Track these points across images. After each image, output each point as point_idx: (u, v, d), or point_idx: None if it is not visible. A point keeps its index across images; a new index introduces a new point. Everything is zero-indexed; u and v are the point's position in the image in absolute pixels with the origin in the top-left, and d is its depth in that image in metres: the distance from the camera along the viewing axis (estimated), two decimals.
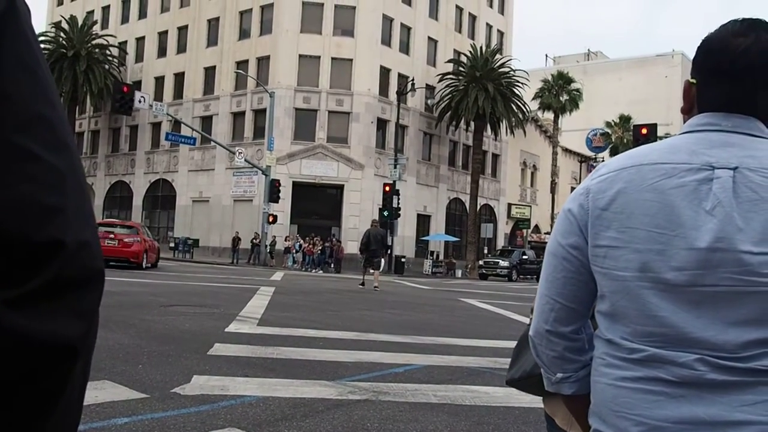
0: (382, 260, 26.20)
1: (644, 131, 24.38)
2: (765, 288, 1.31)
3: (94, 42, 53.25)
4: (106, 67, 53.07)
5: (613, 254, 1.42)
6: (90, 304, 0.70)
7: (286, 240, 40.92)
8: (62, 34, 52.89)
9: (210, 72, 49.84)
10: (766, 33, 1.42)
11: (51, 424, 0.67)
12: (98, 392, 5.52)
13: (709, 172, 1.38)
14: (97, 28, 55.47)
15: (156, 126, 52.10)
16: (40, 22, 61.49)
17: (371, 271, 22.72)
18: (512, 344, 2.78)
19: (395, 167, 41.60)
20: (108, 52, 53.91)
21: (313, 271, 37.80)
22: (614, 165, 1.49)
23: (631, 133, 36.71)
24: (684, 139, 1.50)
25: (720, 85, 1.48)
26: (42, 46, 51.36)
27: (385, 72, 47.08)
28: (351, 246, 40.26)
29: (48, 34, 53.89)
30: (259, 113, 45.66)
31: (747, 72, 1.43)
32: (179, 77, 51.96)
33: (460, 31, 54.06)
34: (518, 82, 47.91)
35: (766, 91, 1.44)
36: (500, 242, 55.52)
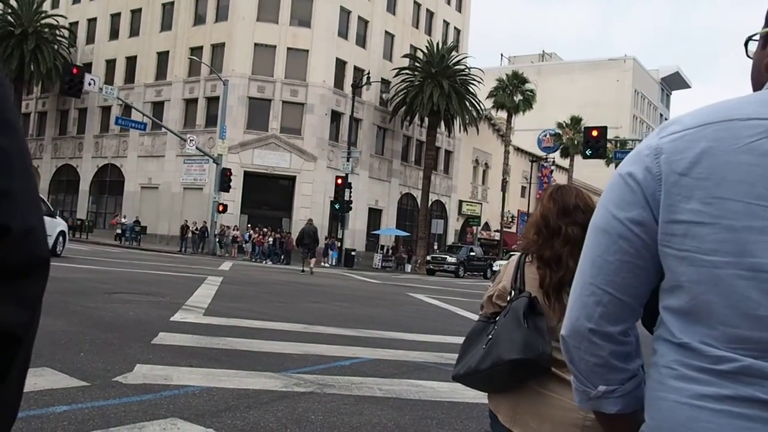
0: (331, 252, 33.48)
1: (595, 133, 24.80)
2: None
3: (43, 21, 51.95)
4: (56, 47, 51.83)
5: (696, 232, 1.12)
6: (34, 292, 0.67)
7: (234, 229, 40.56)
8: (10, 11, 51.42)
9: (163, 57, 49.04)
10: None
11: None
12: (37, 379, 5.41)
13: None
14: (47, 7, 54.15)
15: (106, 110, 51.08)
16: None
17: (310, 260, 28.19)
18: (459, 340, 2.80)
19: (348, 160, 41.55)
20: (58, 32, 52.62)
21: (263, 262, 37.58)
22: (691, 120, 1.18)
23: (582, 135, 37.27)
24: None
25: None
26: None
27: (341, 64, 46.94)
28: None
29: None
30: (212, 101, 45.10)
31: None
32: (131, 61, 51.01)
33: (417, 27, 54.19)
34: (473, 79, 48.20)
35: None
36: (450, 238, 55.91)
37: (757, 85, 1.27)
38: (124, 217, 44.10)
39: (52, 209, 23.49)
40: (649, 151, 1.19)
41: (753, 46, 1.31)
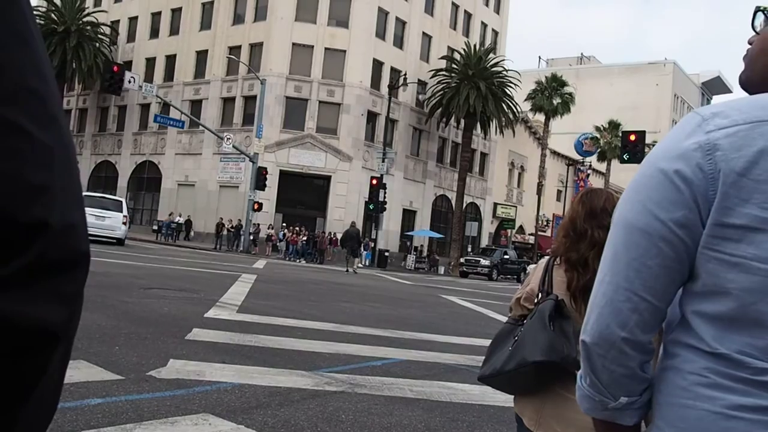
0: (364, 253, 38.54)
1: (633, 137, 24.50)
2: None
3: (85, 19, 52.76)
4: (97, 45, 52.56)
5: (752, 238, 1.04)
6: (73, 289, 0.67)
7: (269, 228, 40.82)
8: (53, 9, 52.33)
9: (202, 56, 49.53)
10: None
11: (27, 410, 0.64)
12: (73, 372, 5.48)
13: None
14: (89, 5, 54.99)
15: (145, 107, 51.76)
16: None
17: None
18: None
19: (383, 161, 41.56)
20: (100, 30, 53.42)
21: (297, 261, 37.77)
22: (739, 115, 1.09)
23: (619, 139, 36.86)
24: None
25: None
26: None
27: (377, 65, 46.98)
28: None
29: (39, 8, 53.32)
30: (250, 100, 45.45)
31: None
32: (170, 59, 51.60)
33: (454, 28, 54.00)
34: (510, 82, 47.86)
35: None
36: (485, 241, 55.62)
37: (763, 69, 1.21)
38: (179, 215, 44.49)
39: (126, 214, 28.62)
40: (697, 146, 1.08)
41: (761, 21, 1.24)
